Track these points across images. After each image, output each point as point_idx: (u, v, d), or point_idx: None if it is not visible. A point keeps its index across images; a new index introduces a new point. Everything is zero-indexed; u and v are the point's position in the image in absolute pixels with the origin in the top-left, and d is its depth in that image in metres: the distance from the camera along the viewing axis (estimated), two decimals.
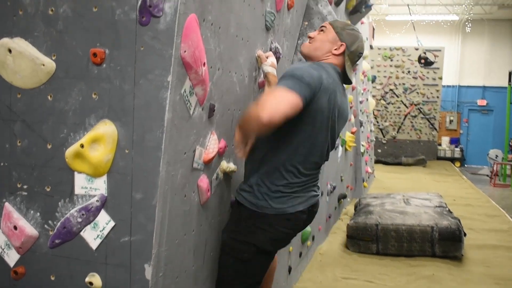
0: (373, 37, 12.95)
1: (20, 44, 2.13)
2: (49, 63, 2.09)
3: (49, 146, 2.12)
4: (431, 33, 19.16)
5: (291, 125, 2.31)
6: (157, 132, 1.94)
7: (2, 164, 2.21)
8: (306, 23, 3.85)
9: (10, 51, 2.13)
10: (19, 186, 2.19)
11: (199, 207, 2.32)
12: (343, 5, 5.43)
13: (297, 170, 2.43)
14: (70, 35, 2.05)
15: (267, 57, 2.81)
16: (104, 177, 2.03)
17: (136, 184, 1.98)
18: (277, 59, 2.98)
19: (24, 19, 2.13)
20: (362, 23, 9.37)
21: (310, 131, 2.39)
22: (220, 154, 2.47)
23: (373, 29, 13.09)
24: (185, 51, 1.95)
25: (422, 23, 18.35)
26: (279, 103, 2.16)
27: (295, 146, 2.40)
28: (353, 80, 2.59)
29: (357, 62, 2.66)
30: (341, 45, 2.54)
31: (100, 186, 2.04)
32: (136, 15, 1.93)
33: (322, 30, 2.62)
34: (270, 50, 2.99)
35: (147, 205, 1.96)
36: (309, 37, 2.61)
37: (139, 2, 1.92)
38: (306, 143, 2.41)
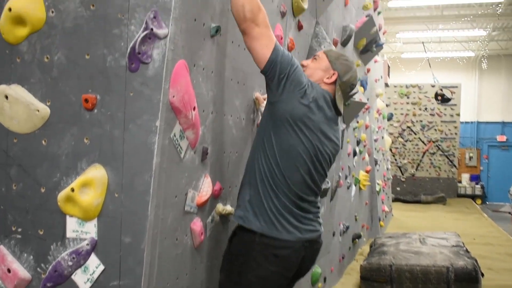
0: (388, 75, 12.99)
1: (17, 90, 2.19)
2: (44, 109, 2.14)
3: (42, 190, 2.15)
4: (447, 69, 19.16)
5: (274, 133, 2.35)
6: (145, 176, 1.96)
7: None
8: None
9: (7, 97, 2.19)
10: (13, 229, 2.21)
11: (193, 250, 2.31)
12: (350, 44, 5.47)
13: (287, 190, 2.36)
14: (64, 81, 2.11)
15: (265, 99, 2.84)
16: (95, 221, 2.04)
17: (125, 228, 1.99)
18: None
19: (21, 66, 2.20)
20: (375, 61, 9.43)
21: (290, 140, 2.35)
22: (215, 197, 2.48)
23: (388, 67, 13.13)
24: (173, 96, 1.98)
25: (438, 60, 18.39)
26: (265, 45, 2.29)
27: (278, 157, 2.35)
28: (341, 110, 2.54)
29: (351, 93, 2.63)
30: (333, 74, 2.50)
31: (90, 230, 2.06)
32: (126, 62, 1.98)
33: (315, 58, 2.59)
34: None
35: (136, 249, 1.96)
36: (302, 65, 2.55)
37: (129, 49, 1.97)
38: (288, 154, 2.36)
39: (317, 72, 2.53)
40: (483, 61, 18.12)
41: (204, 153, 2.31)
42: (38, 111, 2.14)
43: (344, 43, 5.12)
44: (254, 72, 2.80)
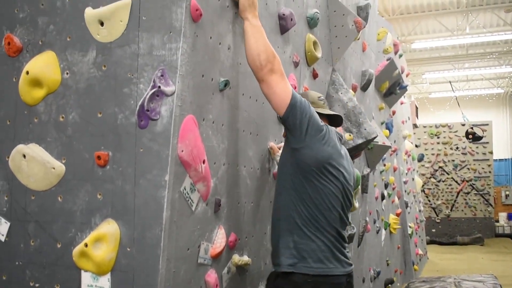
0: (416, 115, 12.91)
1: (34, 149, 2.27)
2: (59, 167, 2.21)
3: (58, 245, 2.19)
4: (477, 107, 18.96)
5: (304, 178, 2.40)
6: (156, 230, 1.98)
7: (17, 263, 2.29)
8: None
9: (24, 156, 2.28)
10: (31, 284, 2.25)
11: None
12: (371, 88, 5.49)
13: (329, 228, 2.43)
14: (78, 139, 2.18)
15: (279, 148, 2.86)
16: (108, 275, 2.06)
17: (138, 282, 2.00)
18: None
19: (39, 126, 2.29)
20: (402, 103, 9.41)
21: (322, 183, 2.42)
22: (231, 248, 2.47)
23: (416, 107, 13.07)
24: (182, 151, 2.02)
25: (466, 98, 18.22)
26: (283, 91, 2.35)
27: (314, 200, 2.42)
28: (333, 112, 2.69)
29: (322, 98, 2.77)
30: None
31: (104, 284, 2.07)
32: (135, 119, 2.04)
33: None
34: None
35: None
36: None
37: (138, 107, 2.03)
38: (324, 195, 2.43)
39: None
40: None
41: (217, 205, 2.32)
42: (54, 168, 2.21)
43: (364, 88, 5.14)
44: (268, 122, 2.84)
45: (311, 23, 3.47)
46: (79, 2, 2.29)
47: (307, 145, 2.40)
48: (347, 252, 2.55)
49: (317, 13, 3.50)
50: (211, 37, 2.23)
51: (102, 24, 2.18)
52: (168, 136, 1.98)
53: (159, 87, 1.99)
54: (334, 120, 2.75)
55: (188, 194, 2.10)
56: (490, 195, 16.17)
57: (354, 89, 4.71)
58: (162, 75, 2.01)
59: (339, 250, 2.47)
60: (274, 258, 2.52)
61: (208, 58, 2.21)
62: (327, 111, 2.72)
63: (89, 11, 2.22)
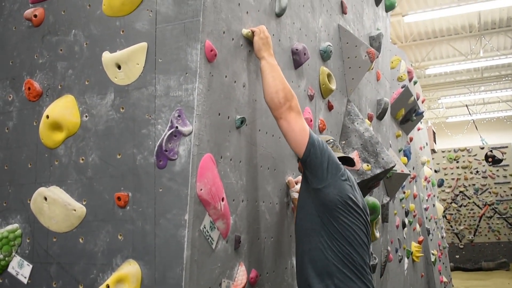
0: (434, 141, 12.83)
1: (55, 192, 2.30)
2: (80, 208, 2.23)
3: (81, 287, 2.20)
4: (495, 130, 18.78)
5: (332, 217, 2.36)
6: (177, 270, 1.98)
7: None
8: (344, 142, 3.92)
9: (46, 199, 2.31)
10: None
11: None
12: (387, 117, 5.49)
13: (364, 265, 2.38)
14: (98, 181, 2.21)
15: (296, 183, 2.86)
16: None
17: None
18: None
19: (59, 168, 2.33)
20: (419, 129, 9.37)
21: (349, 220, 2.38)
22: (252, 284, 2.46)
23: (434, 132, 13.00)
24: (201, 189, 2.03)
25: (484, 121, 18.06)
26: (300, 130, 2.35)
27: (347, 238, 2.37)
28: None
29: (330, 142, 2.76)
30: None
31: None
32: (154, 160, 2.06)
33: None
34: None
35: None
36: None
37: (156, 147, 2.05)
38: (353, 232, 2.38)
39: None
40: None
41: (237, 242, 2.32)
42: (75, 210, 2.23)
43: (380, 117, 5.14)
44: (285, 157, 2.85)
45: (325, 56, 3.50)
46: (97, 46, 2.35)
47: (329, 184, 2.36)
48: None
49: (330, 46, 3.53)
50: (226, 76, 2.26)
51: (119, 67, 2.23)
52: (186, 175, 2.00)
53: (177, 127, 2.02)
54: (346, 161, 2.73)
55: (208, 232, 2.10)
56: None
57: (370, 118, 4.71)
58: (179, 116, 2.04)
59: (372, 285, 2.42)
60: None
61: (224, 96, 2.24)
62: (339, 154, 2.69)
63: (106, 55, 2.28)
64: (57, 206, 2.27)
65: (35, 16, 2.58)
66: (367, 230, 2.49)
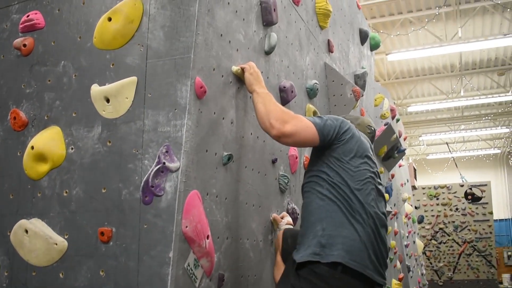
0: (415, 177, 12.93)
1: (36, 224, 2.26)
2: (61, 242, 2.19)
3: None
4: (475, 168, 19.04)
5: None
6: None
7: None
8: None
9: (26, 231, 2.26)
10: None
11: None
12: None
13: (365, 216, 2.28)
14: (81, 215, 2.17)
15: (282, 217, 2.85)
16: None
17: None
18: (294, 219, 3.00)
19: (42, 200, 2.29)
20: (400, 166, 9.44)
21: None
22: None
23: (414, 169, 13.10)
24: (186, 227, 2.01)
25: (464, 159, 18.31)
26: (304, 129, 2.31)
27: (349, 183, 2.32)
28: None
29: (373, 139, 2.77)
30: None
31: None
32: (140, 195, 2.04)
33: None
34: (287, 211, 3.03)
35: None
36: None
37: (143, 183, 2.04)
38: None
39: None
40: (510, 157, 17.99)
41: (220, 280, 2.29)
42: (56, 244, 2.19)
43: None
44: (270, 194, 2.84)
45: (311, 93, 3.54)
46: (86, 78, 2.35)
47: (352, 136, 2.40)
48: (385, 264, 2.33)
49: (316, 83, 3.57)
50: (214, 113, 2.27)
51: (108, 100, 2.22)
52: (172, 212, 1.98)
53: (164, 163, 2.01)
54: None
55: (192, 270, 2.07)
56: (492, 256, 15.95)
57: None
58: (167, 151, 2.03)
59: (375, 251, 2.25)
60: (296, 253, 2.30)
61: (212, 133, 2.24)
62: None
63: (95, 88, 2.28)
64: (38, 239, 2.23)
65: (25, 45, 2.57)
66: (376, 180, 2.42)
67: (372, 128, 2.81)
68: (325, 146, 2.40)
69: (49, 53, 2.51)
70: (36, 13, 2.61)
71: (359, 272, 2.17)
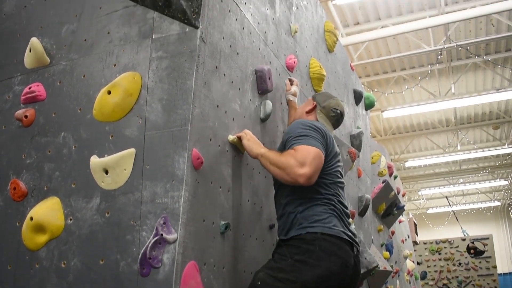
0: (416, 232, 12.85)
1: None
2: None
3: None
4: (475, 221, 18.93)
5: None
6: None
7: None
8: None
9: None
10: None
11: None
12: (369, 212, 5.53)
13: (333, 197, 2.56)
14: (79, 286, 2.17)
15: (291, 83, 3.30)
16: None
17: None
18: None
19: (40, 272, 2.29)
20: (400, 221, 9.40)
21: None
22: None
23: (415, 224, 13.04)
24: None
25: (464, 213, 18.23)
26: (317, 159, 2.41)
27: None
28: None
29: (335, 117, 2.95)
30: (312, 103, 2.95)
31: None
32: (137, 267, 2.05)
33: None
34: None
35: None
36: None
37: (140, 255, 2.05)
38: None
39: (300, 110, 3.03)
40: (510, 210, 17.92)
41: None
42: None
43: (362, 213, 5.17)
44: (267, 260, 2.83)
45: None
46: (85, 150, 2.39)
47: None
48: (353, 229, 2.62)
49: None
50: (211, 182, 2.30)
51: (106, 172, 2.26)
52: (170, 283, 1.98)
53: (162, 234, 2.03)
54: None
55: None
56: None
57: (352, 216, 4.74)
58: (164, 223, 2.05)
59: (345, 223, 2.54)
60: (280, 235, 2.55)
61: (209, 202, 2.27)
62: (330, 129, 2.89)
63: (94, 160, 2.32)
64: None
65: (26, 116, 2.64)
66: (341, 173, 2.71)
67: (338, 111, 2.96)
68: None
69: (50, 124, 2.57)
70: (38, 85, 2.69)
71: (339, 236, 2.43)
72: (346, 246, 2.44)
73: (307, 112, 2.95)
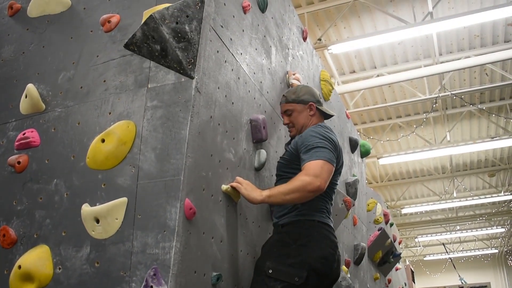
0: (413, 280, 12.67)
1: None
2: None
3: None
4: (473, 268, 18.74)
5: None
6: None
7: None
8: None
9: None
10: None
11: None
12: (365, 260, 5.46)
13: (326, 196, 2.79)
14: None
15: (293, 74, 3.49)
16: None
17: None
18: None
19: None
20: (397, 269, 9.29)
21: None
22: None
23: (412, 271, 12.88)
24: None
25: (461, 260, 18.05)
26: (328, 175, 2.58)
27: None
28: (334, 113, 3.15)
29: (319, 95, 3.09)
30: (310, 105, 2.97)
31: None
32: None
33: (289, 114, 3.00)
34: None
35: None
36: (287, 124, 3.04)
37: None
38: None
39: (301, 117, 2.98)
40: (508, 257, 17.75)
41: None
42: None
43: (357, 262, 5.11)
44: None
45: None
46: (77, 198, 2.37)
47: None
48: None
49: None
50: (204, 233, 2.28)
51: (97, 221, 2.24)
52: None
53: (151, 286, 1.99)
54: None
55: None
56: None
57: (348, 264, 4.68)
58: (154, 274, 2.01)
59: (330, 216, 2.84)
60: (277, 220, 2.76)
61: (201, 253, 2.23)
62: (327, 111, 3.05)
63: (86, 208, 2.30)
64: None
65: (19, 163, 2.62)
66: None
67: (317, 93, 3.07)
68: None
69: (42, 171, 2.56)
70: (32, 131, 2.69)
71: (330, 225, 2.77)
72: (334, 233, 2.76)
73: (312, 115, 2.99)
